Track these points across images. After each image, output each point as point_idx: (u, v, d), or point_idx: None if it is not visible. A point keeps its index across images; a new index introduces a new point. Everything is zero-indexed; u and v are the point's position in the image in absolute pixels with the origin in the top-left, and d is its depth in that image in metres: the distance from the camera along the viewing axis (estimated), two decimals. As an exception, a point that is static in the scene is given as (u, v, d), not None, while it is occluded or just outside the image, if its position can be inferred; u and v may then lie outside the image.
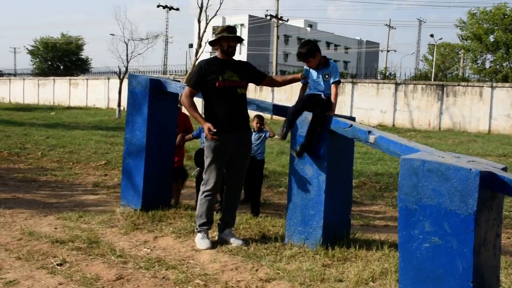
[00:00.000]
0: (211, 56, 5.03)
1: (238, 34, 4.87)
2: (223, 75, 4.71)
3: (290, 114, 4.70)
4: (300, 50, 4.72)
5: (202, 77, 4.74)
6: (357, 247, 4.60)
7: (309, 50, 4.69)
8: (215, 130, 4.56)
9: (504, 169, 3.31)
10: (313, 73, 4.77)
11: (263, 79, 5.07)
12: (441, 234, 3.04)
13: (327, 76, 4.71)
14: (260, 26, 63.37)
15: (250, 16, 67.30)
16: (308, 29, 73.71)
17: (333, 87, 4.72)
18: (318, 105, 4.60)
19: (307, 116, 4.67)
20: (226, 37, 4.73)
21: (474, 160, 3.37)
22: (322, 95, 4.70)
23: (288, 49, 64.71)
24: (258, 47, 63.09)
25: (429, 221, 3.09)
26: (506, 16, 34.87)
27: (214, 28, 4.93)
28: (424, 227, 3.11)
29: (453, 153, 3.67)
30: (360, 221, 6.66)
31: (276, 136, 4.98)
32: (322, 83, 4.73)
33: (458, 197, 2.97)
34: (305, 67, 4.83)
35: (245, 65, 5.00)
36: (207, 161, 4.80)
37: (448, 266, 3.01)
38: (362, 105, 27.97)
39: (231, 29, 4.82)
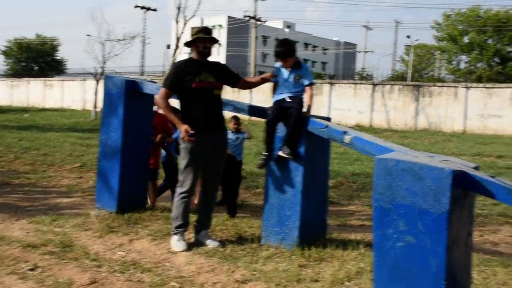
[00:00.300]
0: (187, 57, 4.99)
1: (215, 35, 4.85)
2: (199, 76, 4.68)
3: (266, 135, 4.75)
4: (280, 49, 4.71)
5: (178, 78, 4.70)
6: (333, 247, 4.61)
7: (288, 49, 4.70)
8: (192, 132, 4.53)
9: (476, 168, 3.35)
10: (285, 72, 4.76)
11: (238, 82, 5.06)
12: (415, 233, 3.06)
13: (298, 78, 4.72)
14: (239, 27, 63.35)
15: (228, 17, 67.22)
16: (287, 30, 73.94)
17: (307, 89, 4.75)
18: (291, 109, 4.62)
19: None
20: (202, 38, 4.71)
21: (447, 159, 3.41)
22: (287, 98, 4.69)
23: (266, 50, 64.81)
24: (237, 48, 63.05)
25: (403, 220, 3.11)
26: (479, 18, 35.51)
27: (192, 29, 4.89)
28: (398, 226, 3.13)
29: (427, 153, 3.71)
30: (336, 221, 6.69)
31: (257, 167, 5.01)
32: (292, 83, 4.73)
33: (432, 196, 3.00)
34: (276, 65, 4.83)
35: (220, 66, 4.98)
36: (183, 163, 4.76)
37: (421, 265, 3.04)
38: (339, 106, 28.16)
39: (207, 30, 4.79)
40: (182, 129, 4.57)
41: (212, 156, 4.82)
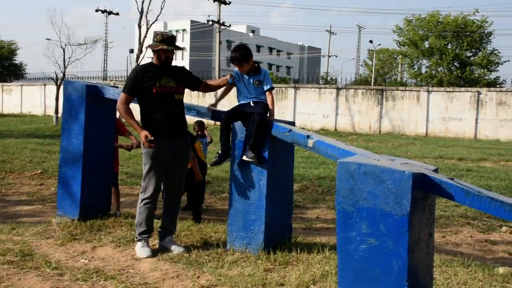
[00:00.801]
0: (147, 62, 4.94)
1: (178, 39, 4.81)
2: (160, 81, 4.64)
3: (221, 134, 4.77)
4: (235, 54, 4.72)
5: (138, 83, 4.65)
6: (298, 250, 4.63)
7: (243, 55, 4.71)
8: (152, 138, 4.49)
9: (436, 171, 3.43)
10: (244, 77, 4.78)
11: (199, 85, 5.04)
12: (377, 235, 3.11)
13: (257, 83, 4.75)
14: (202, 32, 63.18)
15: (192, 22, 66.97)
16: (251, 34, 74.22)
17: (268, 94, 4.78)
18: (250, 114, 4.63)
19: (243, 122, 4.70)
20: (165, 50, 4.67)
21: (408, 162, 3.47)
22: (251, 103, 4.72)
23: (229, 57, 64.86)
24: (201, 53, 62.86)
25: (366, 222, 3.15)
26: (439, 23, 36.40)
27: (155, 34, 4.81)
28: (361, 229, 3.17)
29: (388, 156, 3.77)
30: (302, 225, 6.73)
31: (210, 164, 5.01)
32: (252, 89, 4.76)
33: (393, 199, 3.05)
34: (237, 70, 4.84)
35: (181, 70, 4.95)
36: (145, 168, 4.72)
37: (384, 266, 3.08)
38: (304, 110, 28.39)
39: (170, 40, 4.70)
40: (142, 135, 4.53)
41: (174, 161, 4.79)
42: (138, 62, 23.40)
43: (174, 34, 4.98)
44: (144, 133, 4.51)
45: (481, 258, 5.36)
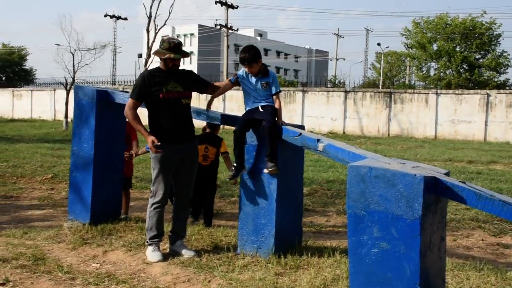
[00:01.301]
0: (154, 67, 4.95)
1: (185, 46, 4.82)
2: (166, 87, 4.66)
3: (235, 146, 4.76)
4: (245, 55, 4.71)
5: (145, 89, 4.68)
6: (309, 254, 4.63)
7: (253, 55, 4.70)
8: (158, 144, 4.52)
9: (447, 174, 3.42)
10: (252, 79, 4.77)
11: (208, 88, 5.03)
12: (389, 239, 3.10)
13: (265, 85, 4.73)
14: (210, 36, 63.38)
15: (200, 26, 67.22)
16: (258, 38, 74.34)
17: (276, 98, 4.79)
18: (260, 120, 4.63)
19: (253, 129, 4.72)
20: (172, 58, 4.67)
21: (419, 166, 3.46)
22: (259, 107, 4.70)
23: (238, 59, 65.01)
24: (209, 57, 63.02)
25: (377, 226, 3.14)
26: (447, 26, 36.24)
27: (162, 41, 4.81)
28: (373, 233, 3.16)
29: (399, 159, 3.76)
30: (312, 229, 6.72)
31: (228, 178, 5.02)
32: (260, 91, 4.74)
33: (404, 202, 3.04)
34: (239, 72, 4.83)
35: (189, 74, 4.95)
36: (154, 173, 4.74)
37: (396, 270, 3.07)
38: (313, 113, 28.36)
39: (177, 47, 4.69)
40: (149, 141, 4.57)
41: (182, 165, 4.81)
42: (147, 67, 23.52)
43: (181, 39, 4.99)
44: (151, 138, 4.55)
45: (493, 261, 5.32)
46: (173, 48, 4.67)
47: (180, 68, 4.86)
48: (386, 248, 3.11)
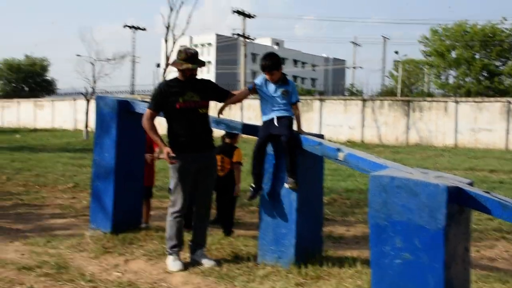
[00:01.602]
0: (172, 78, 4.99)
1: (204, 53, 4.85)
2: (183, 96, 4.69)
3: (253, 167, 4.77)
4: (266, 62, 4.68)
5: (162, 99, 4.73)
6: (330, 264, 4.61)
7: (274, 62, 4.69)
8: (173, 155, 4.56)
9: (471, 184, 3.39)
10: (271, 87, 4.72)
11: (226, 96, 5.01)
12: (412, 249, 3.08)
13: (285, 93, 4.70)
14: (228, 45, 63.73)
15: (217, 35, 67.64)
16: (276, 47, 74.47)
17: (295, 108, 4.79)
18: (280, 137, 4.61)
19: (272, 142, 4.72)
20: (190, 69, 4.70)
21: (442, 175, 3.44)
22: (275, 120, 4.65)
23: (256, 68, 65.12)
24: (226, 66, 63.34)
25: (400, 237, 3.13)
26: (466, 33, 35.96)
27: (179, 52, 4.82)
28: (395, 243, 3.14)
29: (421, 169, 3.74)
30: (332, 238, 6.68)
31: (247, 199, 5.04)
32: (280, 97, 4.69)
33: (427, 213, 3.02)
34: (257, 81, 4.79)
35: (207, 83, 4.95)
36: (173, 182, 4.78)
37: (419, 282, 3.05)
38: (330, 122, 28.30)
39: (194, 58, 4.71)
40: (164, 152, 4.62)
41: (200, 175, 4.83)
42: (165, 76, 23.72)
43: (198, 49, 5.03)
44: (166, 150, 4.61)
45: (518, 273, 5.22)
46: (190, 58, 4.69)
47: (198, 77, 4.88)
48: (409, 259, 3.09)
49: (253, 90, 4.82)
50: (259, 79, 4.81)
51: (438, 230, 2.99)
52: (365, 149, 17.27)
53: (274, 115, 4.68)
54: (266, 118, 4.75)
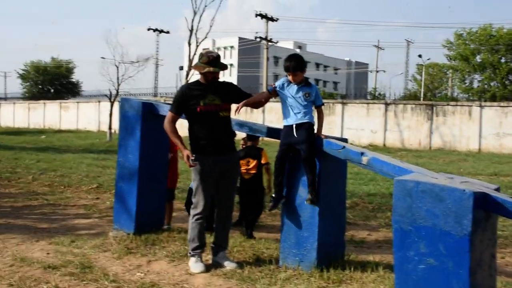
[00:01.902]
0: (193, 81, 5.02)
1: (226, 56, 4.85)
2: (204, 100, 4.70)
3: (275, 177, 4.79)
4: (290, 63, 4.65)
5: (184, 102, 4.76)
6: (352, 269, 4.58)
7: (298, 64, 4.67)
8: (193, 158, 4.59)
9: (497, 190, 3.34)
10: (293, 88, 4.68)
11: None
12: (436, 255, 3.05)
13: (307, 95, 4.66)
14: (250, 48, 63.83)
15: (240, 38, 67.80)
16: (298, 50, 74.18)
17: (320, 111, 4.79)
18: (300, 147, 4.60)
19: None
20: (211, 73, 4.72)
21: (467, 180, 3.40)
22: (293, 128, 4.61)
23: (278, 71, 65.13)
24: (248, 69, 63.46)
25: (424, 242, 3.10)
26: (491, 37, 35.43)
27: (201, 55, 4.82)
28: (420, 248, 3.12)
29: (446, 174, 3.70)
30: (354, 242, 6.64)
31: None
32: (302, 100, 4.64)
33: (453, 218, 2.99)
34: (277, 83, 4.76)
35: (229, 86, 4.95)
36: (195, 184, 4.82)
37: (444, 287, 3.01)
38: (352, 125, 28.13)
39: (216, 61, 4.72)
40: (184, 155, 4.65)
41: (222, 178, 4.85)
42: (188, 79, 23.88)
43: (221, 52, 5.04)
44: (186, 153, 4.65)
45: (544, 280, 5.12)
46: (211, 62, 4.71)
47: (220, 80, 4.89)
48: (433, 264, 3.06)
49: (273, 92, 4.78)
50: (280, 81, 4.78)
51: (463, 236, 2.95)
52: (387, 153, 17.13)
53: (293, 121, 4.63)
54: (286, 123, 4.71)
